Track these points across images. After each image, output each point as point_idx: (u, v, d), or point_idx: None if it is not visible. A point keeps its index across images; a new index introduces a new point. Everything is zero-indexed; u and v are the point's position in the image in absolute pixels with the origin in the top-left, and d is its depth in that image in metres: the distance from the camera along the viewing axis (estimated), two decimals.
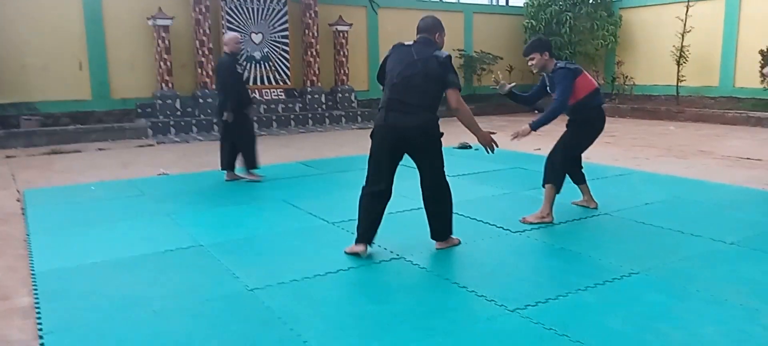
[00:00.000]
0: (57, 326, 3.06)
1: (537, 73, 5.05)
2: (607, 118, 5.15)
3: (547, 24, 15.14)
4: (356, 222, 4.10)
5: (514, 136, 4.72)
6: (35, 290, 3.56)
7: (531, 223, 4.82)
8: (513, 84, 5.12)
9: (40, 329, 3.03)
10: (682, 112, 13.01)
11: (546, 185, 4.94)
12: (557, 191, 4.95)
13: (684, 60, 13.53)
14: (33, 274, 3.83)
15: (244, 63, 6.10)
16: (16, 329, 3.09)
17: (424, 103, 3.93)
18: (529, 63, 4.89)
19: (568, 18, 14.90)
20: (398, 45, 4.13)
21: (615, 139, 10.05)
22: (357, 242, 4.05)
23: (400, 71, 3.96)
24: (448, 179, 4.18)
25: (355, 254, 4.03)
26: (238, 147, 6.74)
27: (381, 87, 4.15)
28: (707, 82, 13.84)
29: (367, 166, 4.09)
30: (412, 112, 3.91)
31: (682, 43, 13.42)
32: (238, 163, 6.81)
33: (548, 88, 5.00)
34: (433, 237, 4.23)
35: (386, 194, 4.06)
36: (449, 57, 4.02)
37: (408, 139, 3.95)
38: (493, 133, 4.21)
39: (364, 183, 4.09)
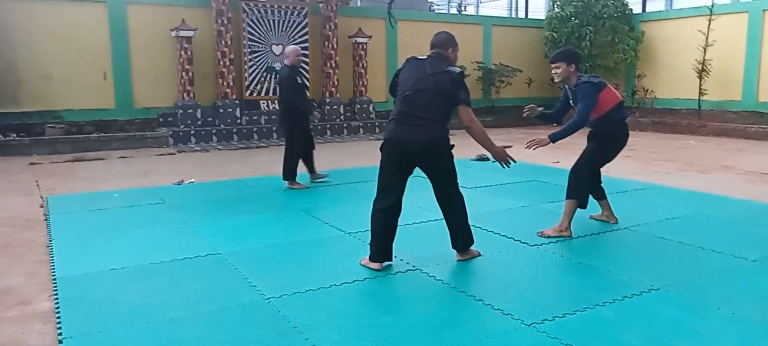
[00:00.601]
0: (76, 332, 3.10)
1: (557, 83, 4.98)
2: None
3: (568, 37, 15.07)
4: (370, 237, 4.10)
5: (530, 144, 4.64)
6: (56, 295, 3.62)
7: (549, 236, 4.79)
8: (541, 108, 5.09)
9: (60, 334, 3.08)
10: (704, 126, 12.84)
11: (567, 199, 4.90)
12: (581, 206, 4.91)
13: (706, 74, 13.37)
14: (54, 279, 3.89)
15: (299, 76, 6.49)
16: (36, 334, 3.15)
17: (435, 117, 3.95)
18: (554, 71, 4.83)
19: (588, 32, 14.82)
20: (411, 59, 4.16)
21: (635, 153, 9.94)
22: (372, 259, 4.06)
23: (412, 85, 3.98)
24: (463, 190, 4.18)
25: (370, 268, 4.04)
26: (286, 154, 7.01)
27: (393, 99, 4.16)
28: (730, 96, 13.65)
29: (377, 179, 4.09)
30: (422, 125, 3.92)
31: (704, 56, 13.27)
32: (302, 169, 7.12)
33: (571, 100, 4.96)
34: (454, 247, 4.24)
35: (396, 209, 4.05)
36: (462, 73, 4.03)
37: (418, 153, 3.95)
38: (509, 146, 4.20)
39: (374, 196, 4.09)
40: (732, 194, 6.61)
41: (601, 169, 5.24)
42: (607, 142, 4.99)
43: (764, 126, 12.04)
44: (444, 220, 4.21)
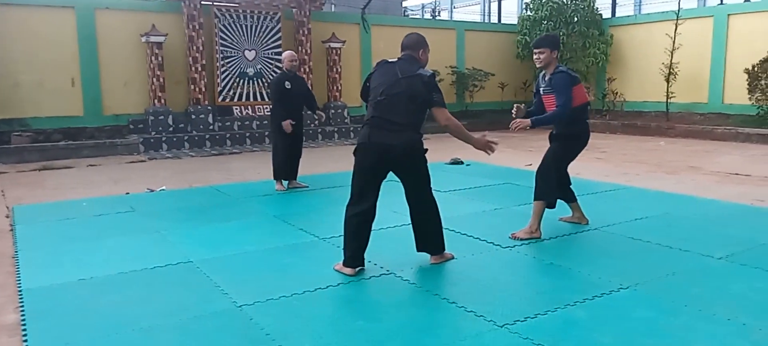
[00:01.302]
0: (43, 344, 3.03)
1: (539, 68, 4.97)
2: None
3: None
4: (344, 242, 4.09)
5: (513, 124, 4.78)
6: (22, 307, 3.53)
7: (520, 239, 4.84)
8: (523, 105, 5.15)
9: None
10: (672, 128, 13.12)
11: (535, 201, 4.96)
12: (549, 206, 4.97)
13: (673, 77, 13.68)
14: (20, 291, 3.80)
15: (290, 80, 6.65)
16: None
17: (408, 121, 3.93)
18: (537, 56, 4.85)
19: (561, 35, 15.04)
20: (382, 62, 4.15)
21: (606, 156, 10.11)
22: (346, 264, 4.05)
23: (384, 89, 3.97)
24: (437, 194, 4.20)
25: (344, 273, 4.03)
26: (272, 155, 7.26)
27: (365, 104, 4.16)
28: (696, 98, 13.98)
29: (350, 183, 4.08)
30: (396, 130, 3.90)
31: (671, 60, 13.57)
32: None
33: (542, 89, 4.97)
34: (424, 250, 4.24)
35: (371, 214, 4.04)
36: (433, 75, 4.03)
37: (394, 158, 3.95)
38: (486, 136, 4.21)
39: (348, 202, 4.08)
40: (700, 194, 6.75)
41: (570, 172, 5.32)
42: (569, 143, 5.04)
43: (730, 127, 12.34)
44: (411, 224, 4.21)
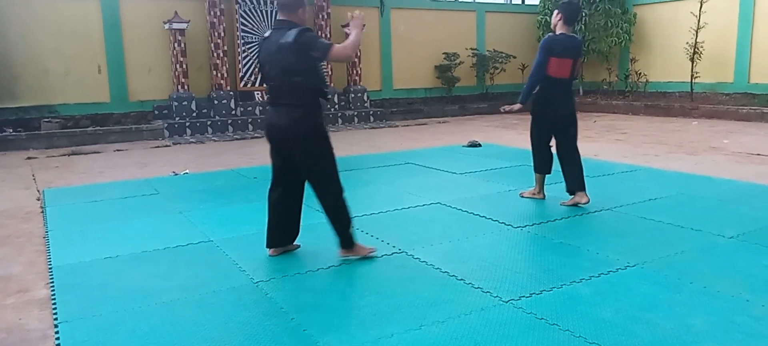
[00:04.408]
0: (72, 316, 3.23)
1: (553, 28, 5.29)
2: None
3: None
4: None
5: (502, 109, 5.51)
6: (52, 282, 3.75)
7: (525, 196, 5.66)
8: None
9: (56, 319, 3.21)
10: (696, 108, 12.94)
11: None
12: (540, 172, 5.53)
13: (698, 56, 13.45)
14: (50, 268, 4.02)
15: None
16: (34, 319, 3.27)
17: (295, 97, 3.60)
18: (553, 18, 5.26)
19: (583, 15, 14.88)
20: (264, 38, 3.80)
21: (625, 137, 10.06)
22: (267, 244, 4.05)
23: (268, 68, 3.71)
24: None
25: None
26: None
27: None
28: (722, 78, 13.74)
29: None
30: (284, 110, 3.64)
31: (696, 39, 13.33)
32: None
33: None
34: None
35: (287, 197, 3.88)
36: (303, 31, 3.56)
37: (281, 139, 3.73)
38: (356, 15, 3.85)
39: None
40: (718, 174, 6.72)
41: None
42: (536, 117, 5.43)
43: (755, 107, 12.13)
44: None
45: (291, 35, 3.54)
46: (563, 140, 5.37)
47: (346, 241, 3.95)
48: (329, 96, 3.54)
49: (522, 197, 5.68)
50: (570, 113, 5.31)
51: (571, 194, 5.34)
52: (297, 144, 3.70)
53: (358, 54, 13.47)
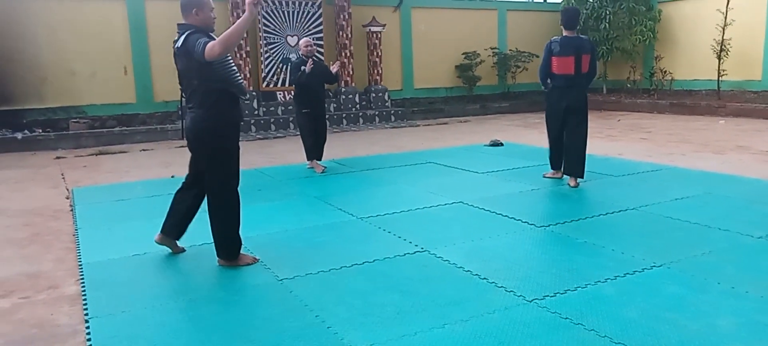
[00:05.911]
0: (101, 312, 3.30)
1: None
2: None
3: (586, 19, 14.99)
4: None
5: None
6: (82, 279, 3.83)
7: (547, 177, 6.37)
8: None
9: (86, 315, 3.28)
10: (723, 107, 12.71)
11: None
12: (553, 169, 6.36)
13: (725, 54, 13.21)
14: (80, 265, 4.11)
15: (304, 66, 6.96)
16: (64, 315, 3.35)
17: (196, 100, 3.64)
18: None
19: (607, 13, 14.72)
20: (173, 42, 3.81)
21: (650, 136, 9.93)
22: (161, 230, 4.15)
23: (178, 73, 3.78)
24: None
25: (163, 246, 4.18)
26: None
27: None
28: (749, 76, 13.49)
29: None
30: (189, 113, 3.75)
31: (722, 36, 13.11)
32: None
33: None
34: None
35: (189, 188, 4.05)
36: (189, 34, 3.49)
37: (189, 142, 3.85)
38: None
39: None
40: (744, 173, 6.61)
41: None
42: (546, 110, 6.23)
43: None
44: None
45: (180, 40, 3.56)
46: (569, 133, 5.98)
47: (223, 250, 3.93)
48: (244, 94, 3.60)
49: (545, 177, 6.44)
50: (576, 108, 5.89)
51: (566, 174, 6.14)
52: (196, 143, 3.82)
53: (379, 54, 13.50)
